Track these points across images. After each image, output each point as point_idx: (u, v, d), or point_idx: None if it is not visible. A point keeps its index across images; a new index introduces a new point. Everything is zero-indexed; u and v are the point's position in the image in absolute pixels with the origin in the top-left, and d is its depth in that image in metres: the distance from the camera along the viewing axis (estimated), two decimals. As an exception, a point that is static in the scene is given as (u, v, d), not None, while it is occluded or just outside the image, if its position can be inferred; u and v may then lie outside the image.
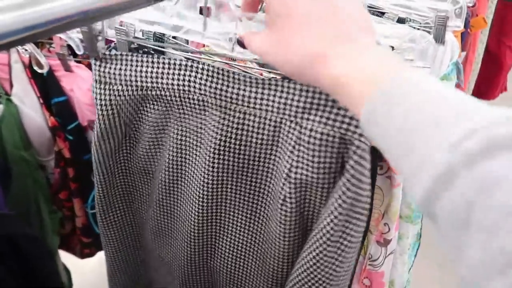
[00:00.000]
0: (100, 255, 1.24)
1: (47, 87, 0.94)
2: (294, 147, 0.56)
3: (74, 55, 0.95)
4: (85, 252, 1.16)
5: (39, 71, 0.87)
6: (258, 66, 0.65)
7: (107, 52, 0.61)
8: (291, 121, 0.57)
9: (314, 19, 0.39)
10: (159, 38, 0.64)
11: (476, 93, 1.93)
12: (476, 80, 1.81)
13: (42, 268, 0.56)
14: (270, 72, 0.66)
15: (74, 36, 0.86)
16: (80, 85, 0.95)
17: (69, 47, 0.93)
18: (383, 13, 0.80)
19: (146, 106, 0.64)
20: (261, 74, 0.66)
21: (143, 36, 0.65)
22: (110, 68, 0.61)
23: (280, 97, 0.56)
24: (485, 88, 1.95)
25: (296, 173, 0.57)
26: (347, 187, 0.54)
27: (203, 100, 0.60)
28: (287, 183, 0.57)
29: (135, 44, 0.65)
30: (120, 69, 0.61)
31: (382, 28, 0.58)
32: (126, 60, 0.61)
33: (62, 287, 0.62)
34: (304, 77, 0.41)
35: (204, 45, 0.67)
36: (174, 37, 0.65)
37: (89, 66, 0.99)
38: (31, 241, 0.55)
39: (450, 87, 0.33)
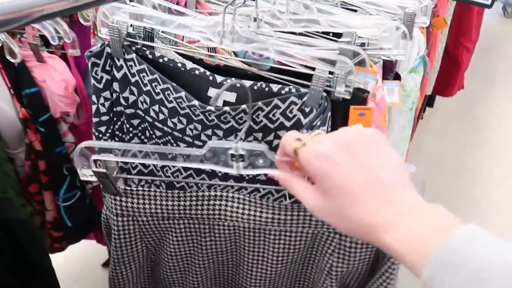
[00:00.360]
0: (68, 250, 1.22)
1: (18, 77, 0.92)
2: (334, 250, 0.60)
3: (47, 45, 0.94)
4: (55, 246, 1.14)
5: (13, 61, 0.85)
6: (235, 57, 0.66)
7: (128, 188, 0.58)
8: (330, 232, 0.59)
9: (361, 185, 0.39)
10: (149, 32, 0.65)
11: (436, 91, 2.03)
12: (436, 78, 1.90)
13: (34, 252, 0.55)
14: (251, 65, 0.68)
15: (48, 26, 0.85)
16: (53, 76, 0.94)
17: (42, 37, 0.92)
18: (355, 11, 0.84)
19: (172, 231, 0.62)
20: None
21: (133, 31, 0.65)
22: (132, 202, 0.59)
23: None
24: (444, 86, 2.05)
25: (337, 271, 0.61)
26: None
27: (233, 226, 0.60)
28: (329, 278, 0.62)
29: (128, 42, 0.65)
30: (144, 203, 0.59)
31: (362, 19, 0.61)
32: (149, 195, 0.58)
33: (52, 271, 0.61)
34: (362, 240, 0.52)
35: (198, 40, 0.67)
36: (163, 32, 0.65)
37: (62, 57, 0.98)
38: (21, 225, 0.54)
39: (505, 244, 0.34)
